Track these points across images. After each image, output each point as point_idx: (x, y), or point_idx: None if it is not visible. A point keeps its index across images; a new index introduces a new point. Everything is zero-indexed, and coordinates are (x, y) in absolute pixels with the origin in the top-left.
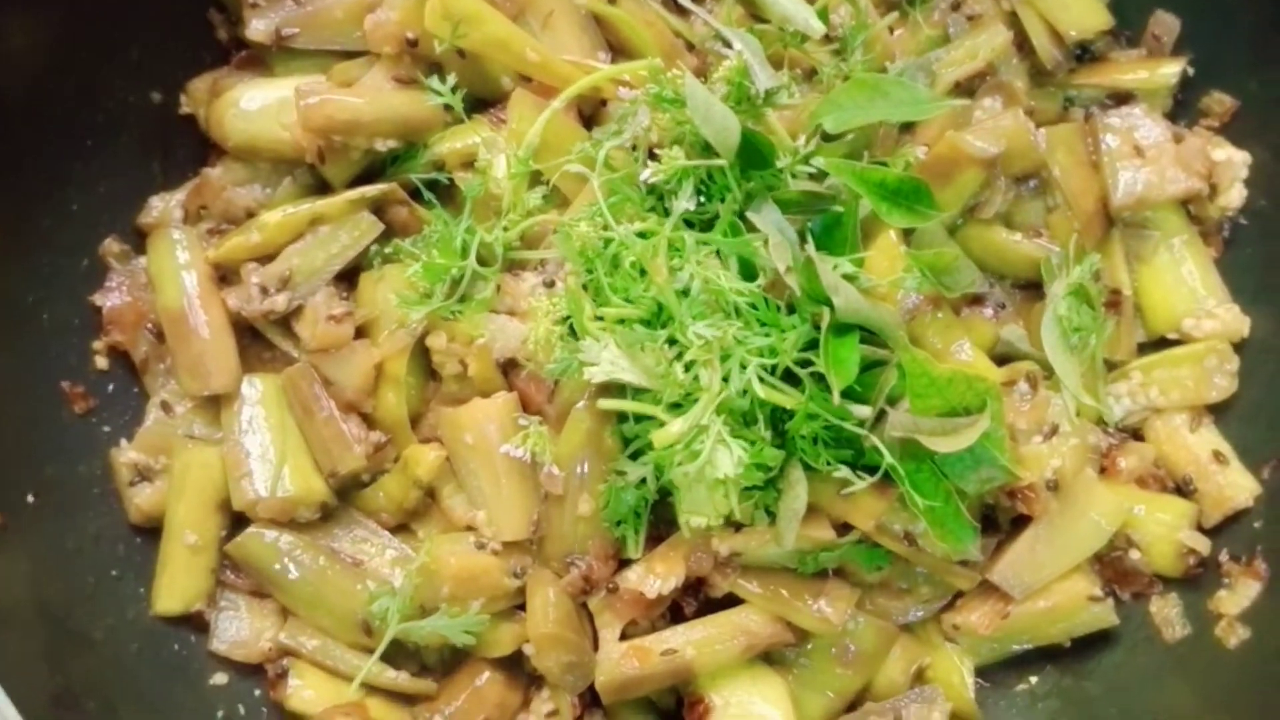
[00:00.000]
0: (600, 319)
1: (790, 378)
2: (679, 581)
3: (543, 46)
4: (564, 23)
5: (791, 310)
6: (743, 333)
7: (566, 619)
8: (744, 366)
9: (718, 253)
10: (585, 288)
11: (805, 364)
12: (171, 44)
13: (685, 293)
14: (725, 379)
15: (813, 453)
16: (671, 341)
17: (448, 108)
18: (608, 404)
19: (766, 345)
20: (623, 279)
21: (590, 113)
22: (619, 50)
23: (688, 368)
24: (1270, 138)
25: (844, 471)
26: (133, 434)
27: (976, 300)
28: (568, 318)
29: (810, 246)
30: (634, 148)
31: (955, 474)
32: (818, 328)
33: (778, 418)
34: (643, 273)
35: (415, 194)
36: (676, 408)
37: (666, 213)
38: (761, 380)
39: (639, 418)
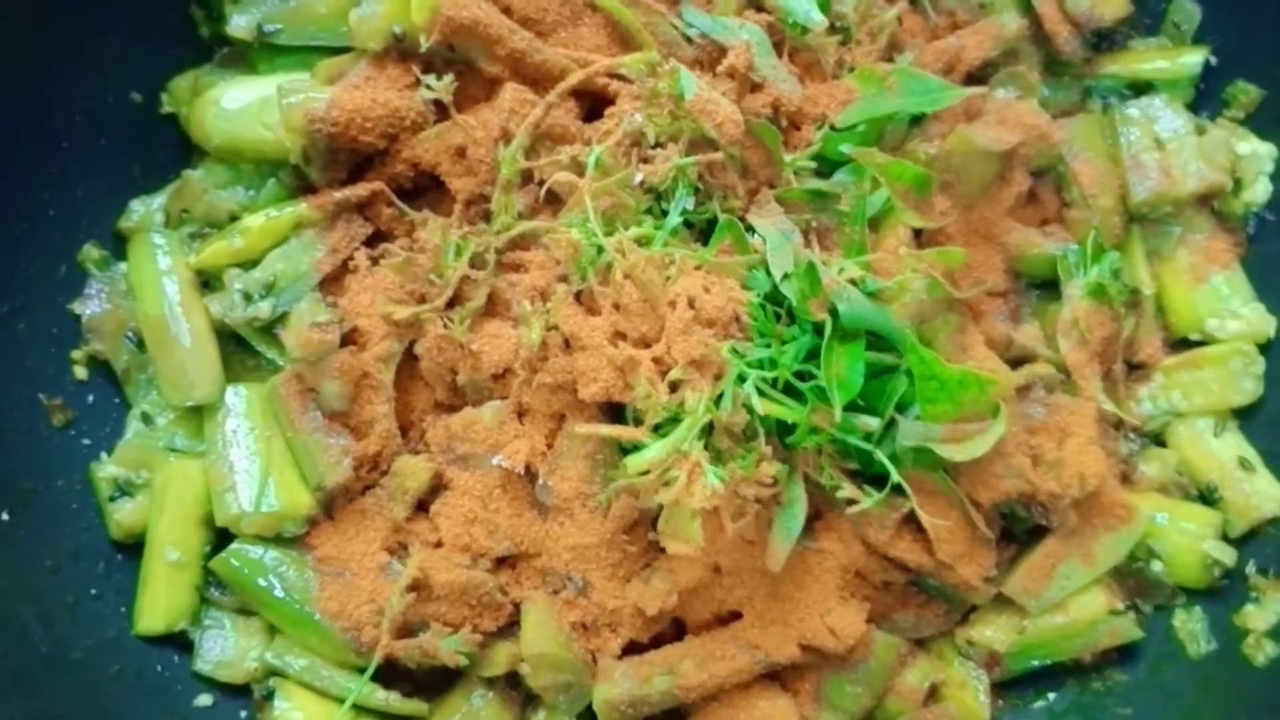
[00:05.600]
0: None
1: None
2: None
3: (535, 40)
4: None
5: (793, 318)
6: (741, 344)
7: (562, 637)
8: (742, 380)
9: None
10: (577, 296)
11: (808, 375)
12: (151, 41)
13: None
14: (717, 400)
15: (816, 465)
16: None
17: (437, 104)
18: (585, 429)
19: (766, 357)
20: (614, 289)
21: (590, 109)
22: (624, 46)
23: (673, 388)
24: None
25: (849, 490)
26: (113, 447)
27: (989, 300)
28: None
29: (814, 248)
30: (635, 145)
31: (968, 483)
32: (821, 334)
33: (781, 429)
34: None
35: (403, 194)
36: (661, 429)
37: (664, 214)
38: (761, 394)
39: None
